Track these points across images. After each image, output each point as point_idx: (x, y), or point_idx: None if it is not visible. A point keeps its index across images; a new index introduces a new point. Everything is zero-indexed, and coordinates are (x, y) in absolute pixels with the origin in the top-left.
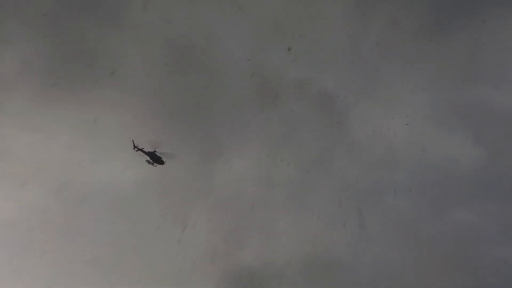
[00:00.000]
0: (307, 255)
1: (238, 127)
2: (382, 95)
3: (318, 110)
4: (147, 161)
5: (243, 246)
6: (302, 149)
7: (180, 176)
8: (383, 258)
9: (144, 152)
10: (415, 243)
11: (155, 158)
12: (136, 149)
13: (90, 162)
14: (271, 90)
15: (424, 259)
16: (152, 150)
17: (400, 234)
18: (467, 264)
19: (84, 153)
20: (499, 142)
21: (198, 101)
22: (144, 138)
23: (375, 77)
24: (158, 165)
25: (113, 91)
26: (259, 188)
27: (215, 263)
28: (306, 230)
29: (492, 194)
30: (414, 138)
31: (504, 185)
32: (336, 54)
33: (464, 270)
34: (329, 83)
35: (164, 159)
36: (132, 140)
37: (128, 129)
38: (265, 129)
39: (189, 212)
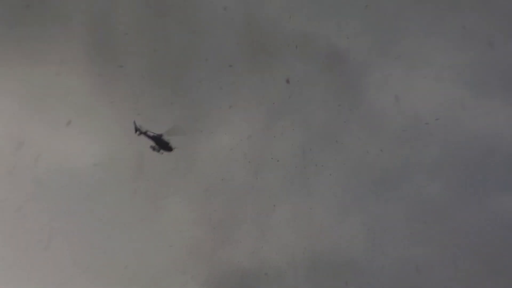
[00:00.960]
0: (312, 254)
1: (226, 93)
2: (405, 53)
3: (325, 72)
4: (151, 147)
5: (233, 242)
6: (305, 121)
7: (155, 154)
8: (408, 257)
9: (148, 136)
10: (448, 238)
11: (161, 144)
12: (138, 132)
13: (42, 136)
14: (267, 48)
15: (459, 258)
16: (158, 134)
17: (429, 226)
18: None
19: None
20: None
21: (177, 62)
22: (146, 118)
23: (397, 30)
24: (165, 152)
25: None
26: (252, 170)
27: (199, 263)
28: (311, 223)
29: None
30: (445, 107)
31: None
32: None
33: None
34: (339, 37)
35: (172, 144)
36: (134, 122)
37: (94, 95)
38: (259, 96)
39: (167, 200)
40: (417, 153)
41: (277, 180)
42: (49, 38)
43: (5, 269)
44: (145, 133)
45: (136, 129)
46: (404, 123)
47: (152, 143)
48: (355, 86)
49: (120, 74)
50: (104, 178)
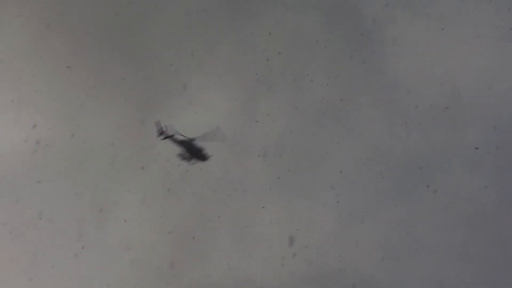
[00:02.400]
0: (310, 271)
1: (197, 54)
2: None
3: (326, 23)
4: (179, 155)
5: (206, 256)
6: (300, 89)
7: (103, 139)
8: (439, 277)
9: (176, 141)
10: (493, 254)
11: (193, 151)
12: (163, 136)
13: None
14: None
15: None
16: (189, 138)
17: (468, 237)
18: None
19: None
20: None
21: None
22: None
23: None
24: (198, 161)
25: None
26: (232, 157)
27: (161, 284)
28: (308, 229)
29: None
30: (488, 74)
31: None
32: None
33: None
34: None
35: (206, 152)
36: (159, 121)
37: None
38: (239, 56)
39: (118, 201)
40: (452, 137)
41: (265, 174)
42: None
43: None
44: (171, 137)
45: (161, 132)
46: (435, 96)
47: (180, 149)
48: (367, 43)
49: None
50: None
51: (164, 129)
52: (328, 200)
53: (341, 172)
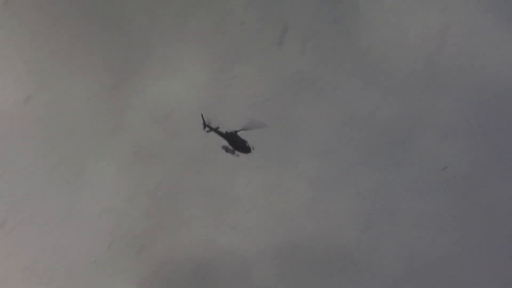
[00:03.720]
0: (288, 242)
1: (171, 23)
2: None
3: None
4: (223, 147)
5: (181, 227)
6: (275, 58)
7: (79, 110)
8: (415, 246)
9: (220, 133)
10: (469, 222)
11: (236, 143)
12: (207, 128)
13: None
14: None
15: (485, 248)
16: (233, 131)
17: (444, 204)
18: None
19: None
20: None
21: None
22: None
23: None
24: (241, 154)
25: None
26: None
27: (138, 253)
28: (286, 199)
29: None
30: (467, 42)
31: None
32: None
33: None
34: None
35: (250, 144)
36: (201, 115)
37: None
38: (212, 26)
39: (90, 169)
40: (428, 105)
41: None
42: None
43: None
44: (216, 130)
45: (205, 125)
46: (411, 65)
47: (224, 142)
48: (342, 15)
49: None
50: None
51: (208, 122)
52: (305, 169)
53: (316, 140)
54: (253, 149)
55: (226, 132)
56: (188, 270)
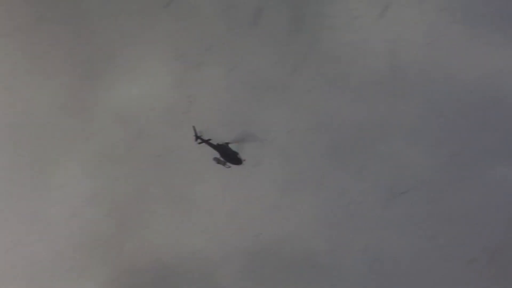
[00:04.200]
0: (253, 244)
1: (135, 25)
2: None
3: None
4: (215, 159)
5: (146, 229)
6: (241, 62)
7: (43, 114)
8: (382, 247)
9: (211, 145)
10: (433, 223)
11: (228, 155)
12: (199, 140)
13: None
14: None
15: (447, 249)
16: (224, 142)
17: (408, 207)
18: None
19: None
20: None
21: None
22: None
23: None
24: (233, 166)
25: None
26: (172, 129)
27: (103, 256)
28: (252, 202)
29: None
30: (432, 46)
31: None
32: None
33: None
34: None
35: (240, 155)
36: (193, 127)
37: None
38: (178, 27)
39: (56, 174)
40: (392, 108)
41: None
42: None
43: None
44: (207, 142)
45: (197, 137)
46: (375, 68)
47: (215, 153)
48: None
49: None
50: None
51: (199, 134)
52: (270, 172)
53: (282, 144)
54: (244, 160)
55: (218, 144)
56: (153, 273)
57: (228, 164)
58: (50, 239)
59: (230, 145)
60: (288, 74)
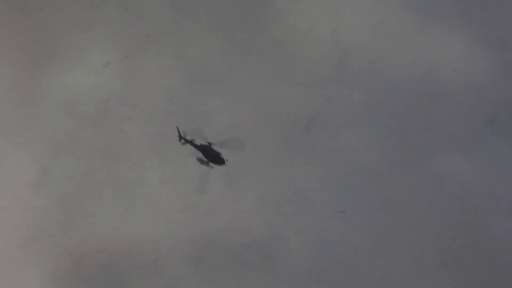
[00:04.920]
0: (200, 234)
1: (78, 17)
2: None
3: None
4: (198, 159)
5: (93, 218)
6: (186, 49)
7: None
8: (327, 238)
9: (195, 145)
10: (376, 212)
11: (210, 155)
12: (183, 140)
13: None
14: None
15: (390, 238)
16: (207, 143)
17: (353, 197)
18: (468, 246)
19: None
20: None
21: None
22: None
23: None
24: (216, 166)
25: None
26: (114, 120)
27: (49, 245)
28: (197, 191)
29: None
30: (373, 36)
31: None
32: None
33: (459, 254)
34: None
35: (224, 156)
36: (177, 128)
37: None
38: (124, 15)
39: (1, 162)
40: (338, 96)
41: (150, 137)
42: None
43: None
44: (191, 142)
45: (181, 137)
46: (321, 55)
47: (198, 154)
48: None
49: None
50: None
51: (183, 135)
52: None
53: (225, 133)
54: (227, 161)
55: (201, 144)
56: (99, 262)
57: (211, 164)
58: None
59: (212, 146)
60: (231, 63)
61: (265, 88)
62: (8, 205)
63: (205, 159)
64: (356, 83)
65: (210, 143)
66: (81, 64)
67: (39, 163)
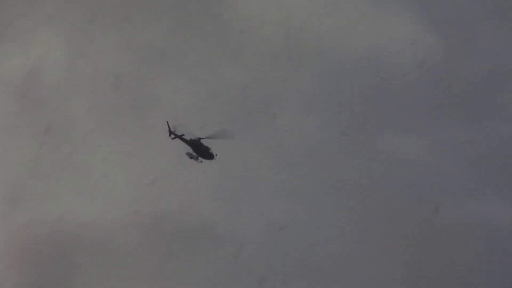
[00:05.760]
0: (150, 213)
1: None
2: None
3: None
4: (188, 154)
5: (42, 197)
6: (133, 31)
7: None
8: (272, 215)
9: (184, 140)
10: (322, 190)
11: (199, 150)
12: (172, 135)
13: None
14: None
15: (335, 215)
16: (197, 138)
17: (299, 174)
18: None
19: None
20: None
21: None
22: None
23: None
24: (205, 160)
25: None
26: (64, 101)
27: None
28: (148, 171)
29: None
30: (325, 16)
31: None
32: None
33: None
34: None
35: (213, 151)
36: (167, 122)
37: None
38: None
39: None
40: (288, 78)
41: (103, 120)
42: None
43: None
44: (180, 137)
45: (171, 132)
46: (270, 36)
47: (188, 149)
48: None
49: None
50: None
51: (173, 129)
52: (165, 141)
53: (175, 114)
54: (216, 155)
55: (191, 139)
56: (51, 242)
57: (200, 159)
58: None
59: (202, 140)
60: (181, 46)
61: (214, 69)
62: None
63: (194, 154)
64: (305, 66)
65: (199, 138)
66: (28, 46)
67: None
